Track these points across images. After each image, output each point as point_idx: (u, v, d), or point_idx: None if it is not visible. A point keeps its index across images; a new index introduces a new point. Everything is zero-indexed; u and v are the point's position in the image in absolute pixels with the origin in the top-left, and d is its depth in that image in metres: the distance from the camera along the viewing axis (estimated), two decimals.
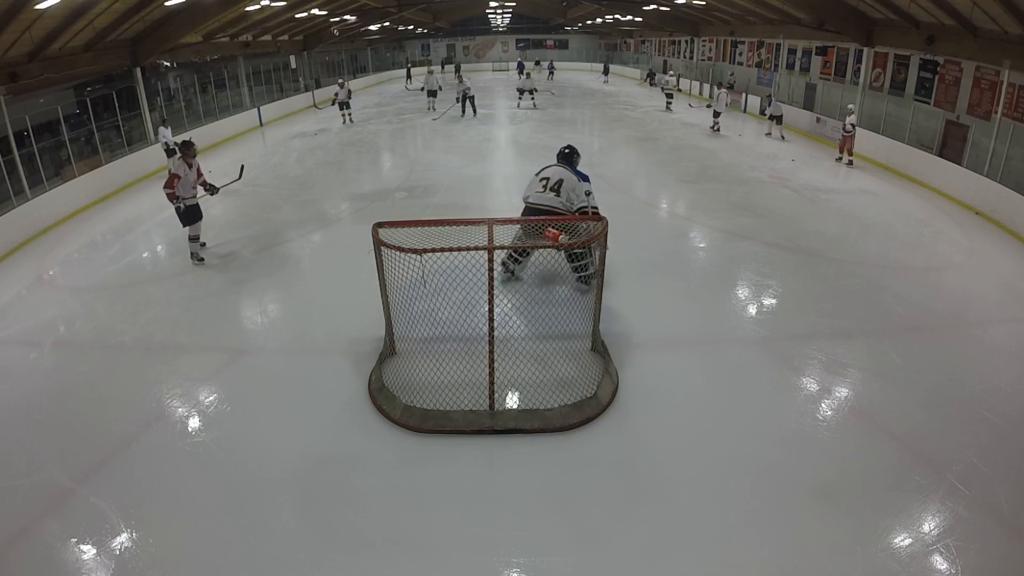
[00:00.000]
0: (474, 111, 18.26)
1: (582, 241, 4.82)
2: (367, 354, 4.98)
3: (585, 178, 6.09)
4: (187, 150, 7.09)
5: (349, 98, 17.99)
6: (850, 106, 12.37)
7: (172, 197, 6.92)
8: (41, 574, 3.14)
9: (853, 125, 11.81)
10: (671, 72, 23.34)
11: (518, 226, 5.58)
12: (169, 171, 11.67)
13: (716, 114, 15.70)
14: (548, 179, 5.95)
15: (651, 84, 27.72)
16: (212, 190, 7.43)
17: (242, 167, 8.38)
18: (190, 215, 7.14)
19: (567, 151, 6.35)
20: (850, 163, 11.93)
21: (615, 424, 4.18)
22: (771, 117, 14.80)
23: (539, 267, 6.40)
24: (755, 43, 19.92)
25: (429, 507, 3.50)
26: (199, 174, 7.24)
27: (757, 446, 3.96)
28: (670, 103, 19.42)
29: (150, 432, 4.19)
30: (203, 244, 7.68)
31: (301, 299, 6.27)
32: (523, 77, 20.79)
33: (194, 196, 7.14)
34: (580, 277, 5.91)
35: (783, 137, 14.59)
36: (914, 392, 4.52)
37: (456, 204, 9.30)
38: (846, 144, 11.94)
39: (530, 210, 5.86)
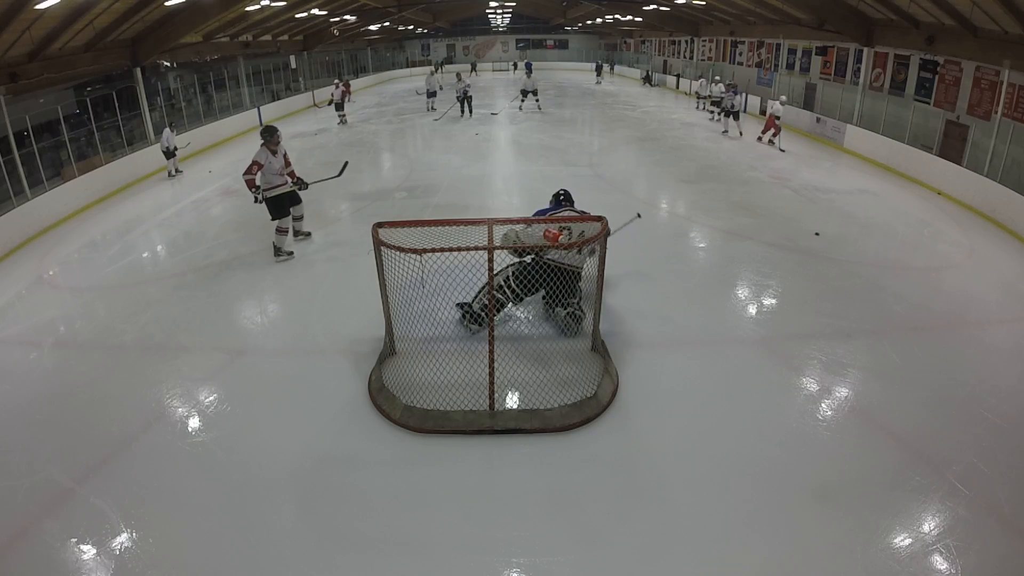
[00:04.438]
0: (470, 111, 18.25)
1: (582, 241, 4.80)
2: (367, 354, 4.97)
3: None
4: (270, 136, 6.76)
5: (343, 99, 17.94)
6: (780, 98, 13.93)
7: (251, 185, 6.66)
8: (41, 574, 3.14)
9: (778, 116, 13.14)
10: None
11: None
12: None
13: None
14: None
15: (650, 86, 27.72)
16: (300, 184, 7.13)
17: (345, 163, 8.19)
18: (276, 206, 6.88)
19: (562, 196, 5.80)
20: (771, 143, 13.32)
21: (615, 424, 4.18)
22: (727, 112, 15.40)
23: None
24: (755, 43, 19.91)
25: (429, 507, 3.50)
26: (287, 163, 6.99)
27: (757, 446, 3.95)
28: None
29: (150, 432, 4.19)
30: (308, 233, 7.53)
31: (301, 299, 6.26)
32: (528, 79, 20.86)
33: (283, 185, 6.92)
34: (565, 318, 5.14)
35: (740, 133, 15.05)
36: (914, 392, 4.52)
37: (456, 204, 9.30)
38: (771, 125, 13.26)
39: (549, 265, 5.00)
